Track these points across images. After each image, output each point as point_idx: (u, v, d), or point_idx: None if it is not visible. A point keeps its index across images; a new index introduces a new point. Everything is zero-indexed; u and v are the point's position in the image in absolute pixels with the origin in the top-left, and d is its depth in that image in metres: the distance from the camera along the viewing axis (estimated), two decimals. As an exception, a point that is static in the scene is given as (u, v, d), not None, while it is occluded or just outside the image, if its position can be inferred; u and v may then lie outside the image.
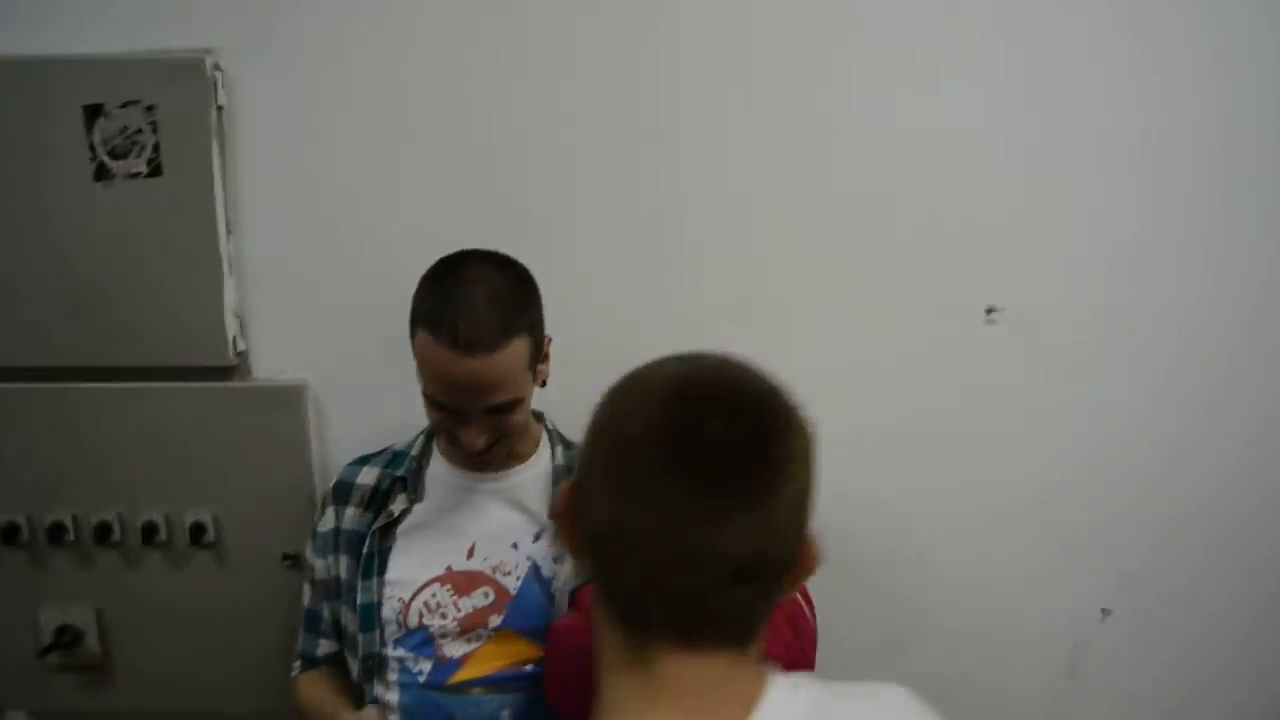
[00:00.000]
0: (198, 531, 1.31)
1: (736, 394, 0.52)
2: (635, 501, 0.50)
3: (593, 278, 1.28)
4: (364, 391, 1.30)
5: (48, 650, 1.37)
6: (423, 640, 1.07)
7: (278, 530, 1.31)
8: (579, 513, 0.55)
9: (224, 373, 1.30)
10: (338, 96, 1.25)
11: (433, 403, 0.99)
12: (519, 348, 0.96)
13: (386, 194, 1.27)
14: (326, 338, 1.30)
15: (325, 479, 1.27)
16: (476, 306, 0.93)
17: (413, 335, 0.99)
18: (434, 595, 1.07)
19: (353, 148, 1.26)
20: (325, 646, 1.17)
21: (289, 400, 1.29)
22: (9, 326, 1.31)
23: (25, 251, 1.28)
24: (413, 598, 1.07)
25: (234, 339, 1.29)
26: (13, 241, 1.28)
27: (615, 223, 1.28)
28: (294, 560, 1.29)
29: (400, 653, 1.07)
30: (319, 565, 1.14)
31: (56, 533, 1.33)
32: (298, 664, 1.19)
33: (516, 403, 0.99)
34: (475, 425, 0.98)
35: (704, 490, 0.49)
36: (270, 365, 1.31)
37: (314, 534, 1.16)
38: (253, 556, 1.33)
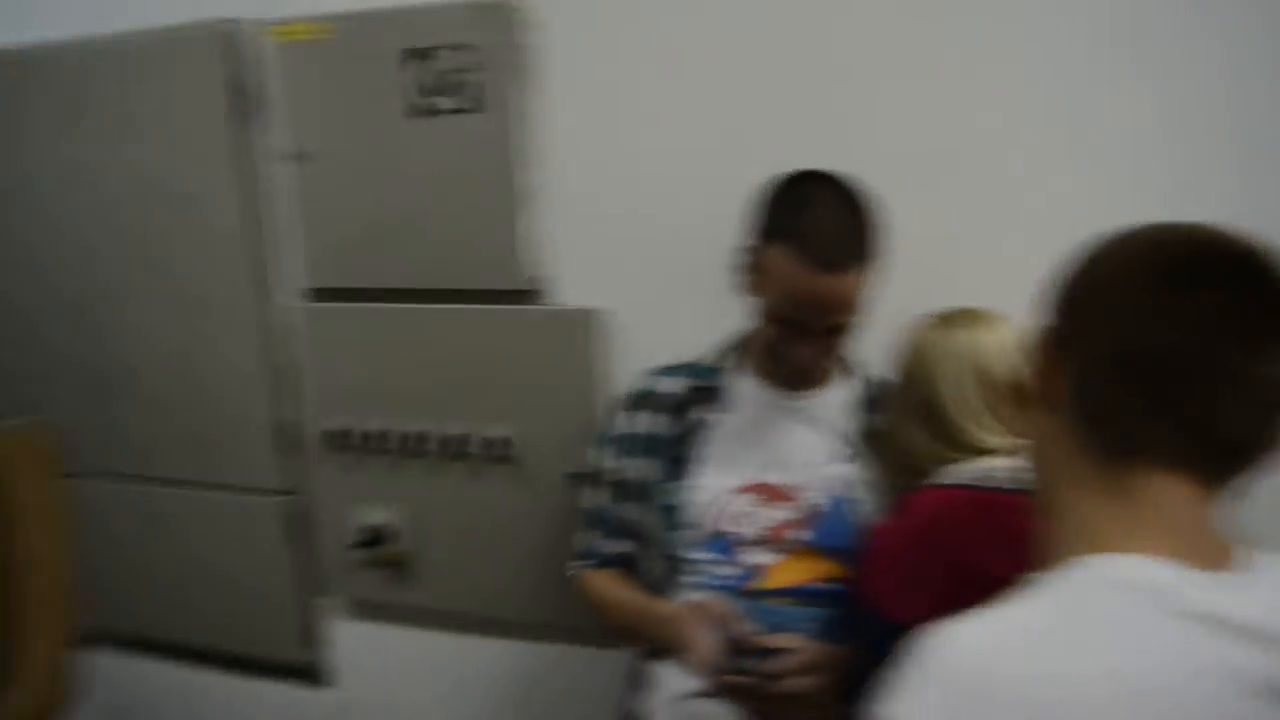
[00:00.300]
0: (495, 447, 1.42)
1: (1248, 240, 0.53)
2: (1180, 326, 0.50)
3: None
4: (657, 318, 1.34)
5: (359, 545, 1.53)
6: (725, 546, 1.10)
7: (565, 450, 1.39)
8: (1062, 354, 0.57)
9: (525, 297, 1.39)
10: (644, 30, 1.30)
11: (775, 317, 1.02)
12: (869, 270, 1.00)
13: (689, 125, 1.30)
14: (625, 266, 1.36)
15: (612, 402, 1.33)
16: (841, 226, 0.98)
17: (758, 250, 1.03)
18: (738, 504, 1.10)
19: (657, 80, 1.31)
20: (614, 546, 1.21)
21: (582, 325, 1.36)
22: (338, 251, 1.48)
23: (353, 184, 1.44)
24: (717, 504, 1.10)
25: (535, 265, 1.37)
26: (343, 175, 1.44)
27: (929, 152, 1.24)
28: (579, 479, 1.36)
29: (702, 556, 1.11)
30: (615, 467, 1.20)
31: (373, 440, 1.49)
32: (584, 561, 1.24)
33: (854, 323, 1.01)
34: (814, 342, 1.01)
35: (1253, 316, 0.50)
36: (570, 292, 1.39)
37: (608, 437, 1.22)
38: (542, 474, 1.42)
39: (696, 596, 1.09)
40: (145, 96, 1.54)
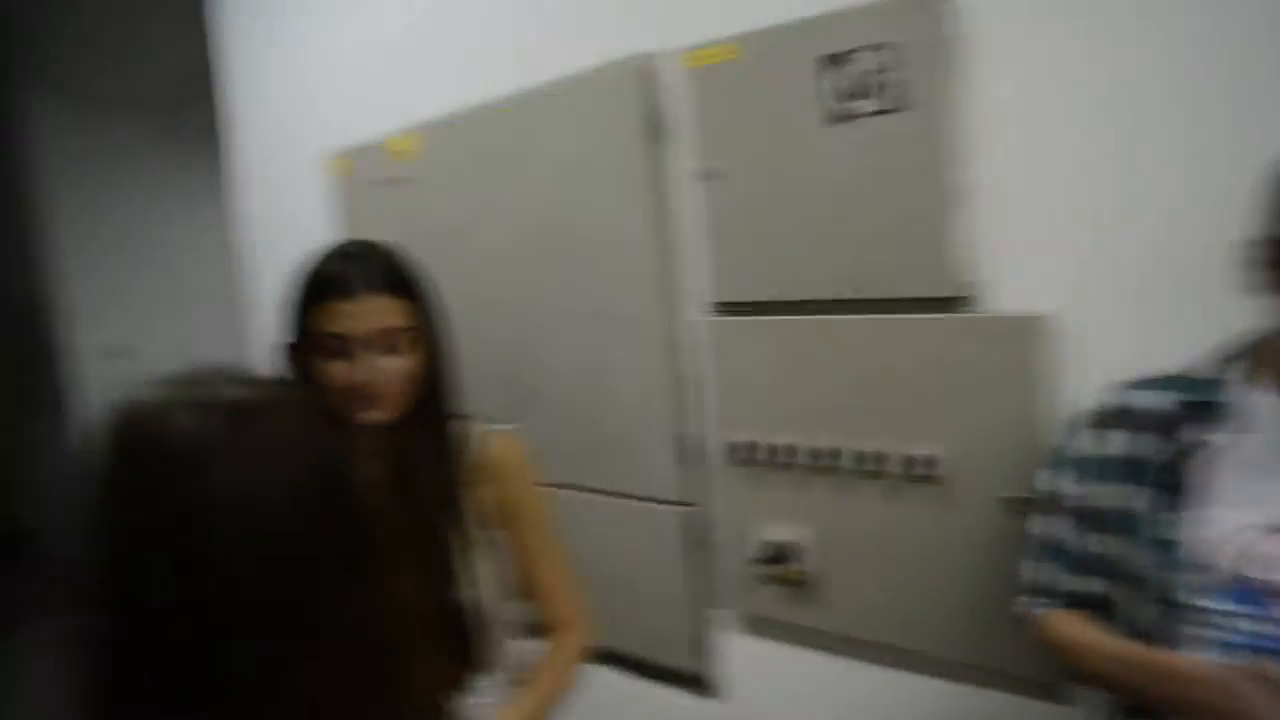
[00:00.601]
0: (917, 466, 1.33)
1: None
2: None
3: None
4: (1113, 326, 1.18)
5: (760, 561, 1.52)
6: (1253, 596, 0.91)
7: (1000, 472, 1.26)
8: None
9: (955, 304, 1.29)
10: (1085, 6, 1.16)
11: None
12: None
13: (1149, 105, 1.14)
14: (1071, 269, 1.21)
15: (1059, 419, 1.18)
16: None
17: None
18: (1269, 546, 0.90)
19: (1101, 63, 1.16)
20: (1081, 584, 1.07)
21: (1025, 333, 1.22)
22: (745, 265, 1.49)
23: (763, 197, 1.44)
24: (1237, 544, 0.92)
25: (967, 269, 1.27)
26: (752, 189, 1.45)
27: None
28: (1023, 505, 1.22)
29: (1215, 605, 0.93)
30: (1079, 493, 1.06)
31: (780, 455, 1.47)
32: (1041, 599, 1.10)
33: None
34: None
35: None
36: (1008, 297, 1.26)
37: (1068, 459, 1.08)
38: (971, 497, 1.29)
39: (1199, 653, 0.91)
40: (568, 134, 1.69)
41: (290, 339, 1.17)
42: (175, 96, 5.07)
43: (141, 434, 0.52)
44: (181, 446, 0.51)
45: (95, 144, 5.02)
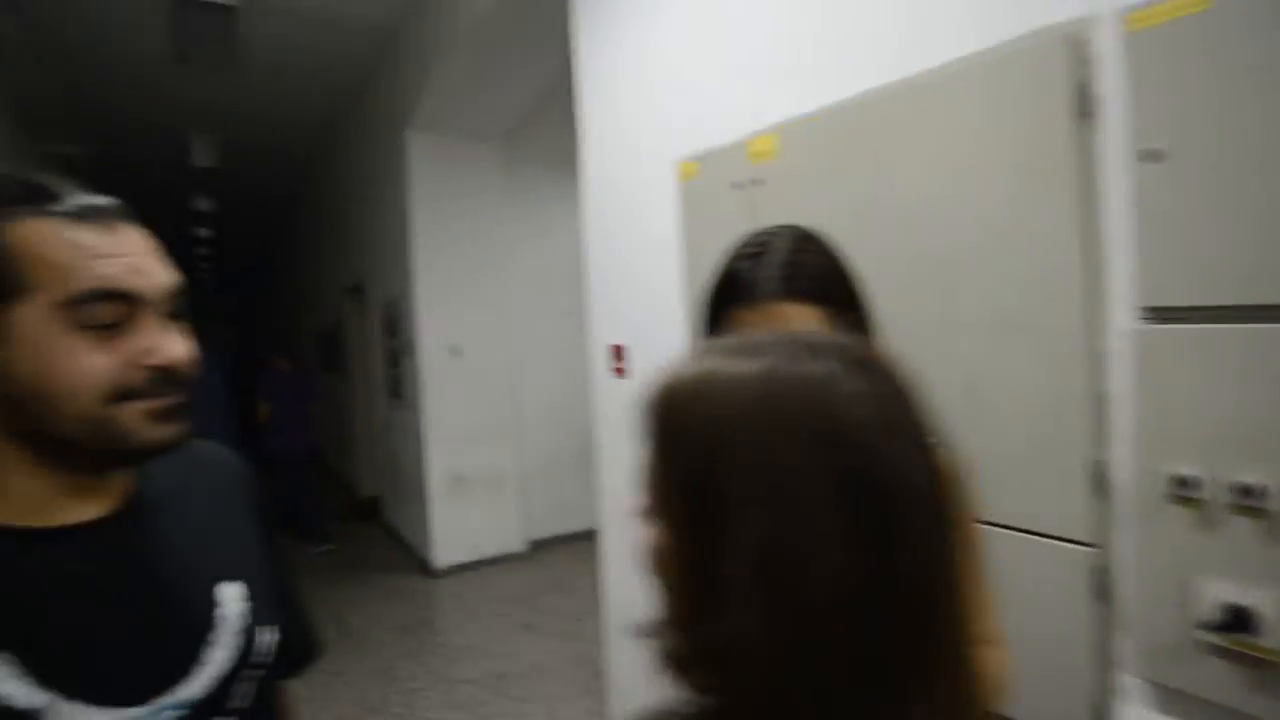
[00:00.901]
0: None
1: None
2: None
3: None
4: None
5: (1210, 627, 1.23)
6: None
7: None
8: None
9: None
10: None
11: None
12: None
13: None
14: None
15: None
16: None
17: None
18: None
19: None
20: None
21: None
22: (1196, 263, 1.22)
23: (1229, 179, 1.17)
24: None
25: None
26: (1214, 170, 1.19)
27: None
28: None
29: None
30: None
31: (1240, 496, 1.18)
32: None
33: None
34: None
35: None
36: None
37: None
38: None
39: None
40: (967, 119, 1.52)
41: (707, 335, 1.14)
42: (525, 121, 5.59)
43: (825, 399, 0.52)
44: (874, 408, 0.52)
45: (447, 170, 5.68)
